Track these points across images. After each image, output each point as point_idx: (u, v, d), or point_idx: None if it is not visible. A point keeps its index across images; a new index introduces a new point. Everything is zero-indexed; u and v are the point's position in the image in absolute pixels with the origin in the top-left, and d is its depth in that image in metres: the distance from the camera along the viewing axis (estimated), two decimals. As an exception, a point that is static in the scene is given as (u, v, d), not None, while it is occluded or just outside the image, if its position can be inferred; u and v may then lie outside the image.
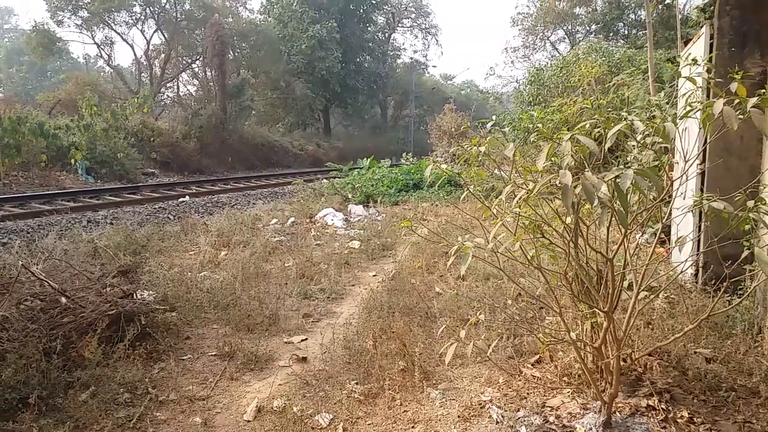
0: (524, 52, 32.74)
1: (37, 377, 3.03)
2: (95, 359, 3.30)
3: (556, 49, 31.94)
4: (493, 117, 2.87)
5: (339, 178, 14.81)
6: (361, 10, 38.84)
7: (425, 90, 47.60)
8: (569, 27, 31.10)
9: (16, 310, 3.51)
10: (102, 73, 36.11)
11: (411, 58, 48.37)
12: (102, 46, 29.98)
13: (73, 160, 16.00)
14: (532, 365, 3.34)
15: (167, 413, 3.05)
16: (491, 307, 4.01)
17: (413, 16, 48.86)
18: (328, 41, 32.79)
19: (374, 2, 39.91)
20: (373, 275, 6.04)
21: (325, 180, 15.10)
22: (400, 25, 48.24)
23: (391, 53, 46.89)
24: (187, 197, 13.60)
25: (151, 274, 5.19)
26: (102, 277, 4.21)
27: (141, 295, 4.23)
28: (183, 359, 3.75)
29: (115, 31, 29.05)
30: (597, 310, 2.67)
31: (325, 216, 9.54)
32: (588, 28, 29.71)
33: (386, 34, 46.51)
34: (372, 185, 12.64)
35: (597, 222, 2.51)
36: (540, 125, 2.42)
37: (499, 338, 3.56)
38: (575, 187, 1.85)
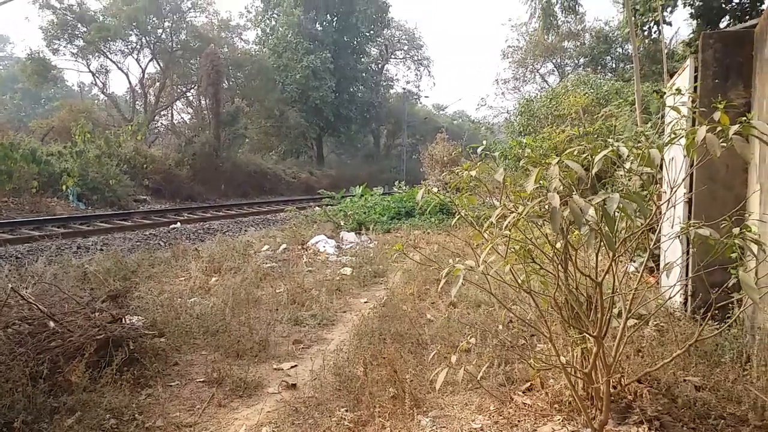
0: (514, 84, 33.45)
1: (23, 402, 2.99)
2: (82, 384, 3.25)
3: (546, 81, 32.64)
4: (483, 142, 2.93)
5: (331, 205, 14.85)
6: (355, 42, 39.56)
7: (418, 119, 48.21)
8: (558, 60, 31.85)
9: (3, 333, 3.47)
10: (96, 101, 36.29)
11: (404, 89, 49.12)
12: (97, 75, 30.31)
13: (64, 187, 15.94)
14: (523, 392, 3.32)
15: (154, 440, 3.00)
16: (482, 333, 4.01)
17: (406, 48, 49.85)
18: (322, 71, 33.28)
19: (367, 34, 40.71)
20: (365, 302, 6.02)
21: (317, 207, 15.15)
22: (393, 56, 49.17)
23: (384, 83, 47.63)
24: (179, 224, 13.57)
25: (141, 299, 5.15)
26: (91, 302, 4.18)
27: (130, 320, 4.19)
28: (171, 385, 3.70)
29: (111, 59, 29.38)
30: (587, 335, 2.69)
31: (317, 243, 9.54)
32: (576, 61, 30.43)
33: (379, 65, 47.32)
34: (364, 213, 12.69)
35: (586, 246, 2.55)
36: (529, 150, 2.47)
37: (490, 365, 3.54)
38: (563, 211, 1.89)
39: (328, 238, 9.93)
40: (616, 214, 2.10)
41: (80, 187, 16.46)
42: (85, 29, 27.18)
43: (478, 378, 3.00)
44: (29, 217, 13.07)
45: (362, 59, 41.51)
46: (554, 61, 32.05)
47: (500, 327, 4.25)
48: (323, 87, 33.53)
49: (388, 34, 46.40)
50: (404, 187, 16.48)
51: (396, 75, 58.14)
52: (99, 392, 3.27)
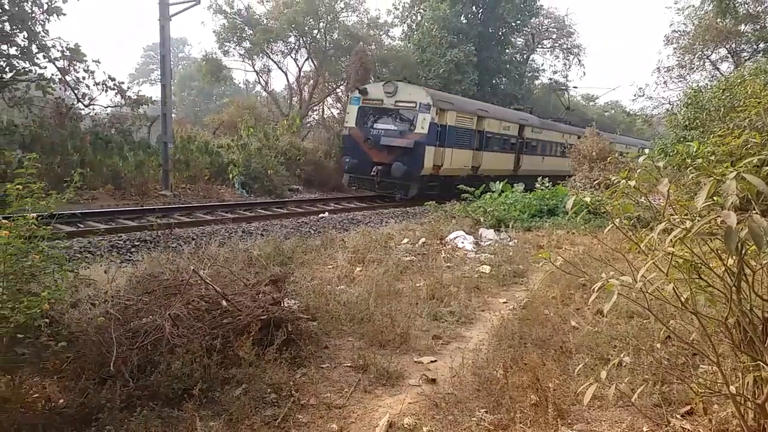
0: (679, 72, 30.13)
1: (200, 371, 3.41)
2: (249, 359, 3.65)
3: (718, 69, 29.05)
4: (646, 150, 2.74)
5: (470, 200, 14.75)
6: (500, 33, 38.64)
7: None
8: (733, 45, 28.16)
9: (185, 309, 4.01)
10: (258, 97, 39.77)
11: (550, 79, 46.87)
12: (260, 74, 33.19)
13: (231, 176, 17.84)
14: (682, 416, 3.08)
15: (308, 416, 3.28)
16: (635, 348, 3.77)
17: (554, 36, 47.47)
18: (464, 64, 33.04)
19: (513, 25, 39.49)
20: (504, 302, 5.95)
21: (456, 202, 15.13)
22: (539, 46, 47.12)
23: (529, 74, 45.89)
24: (327, 213, 14.44)
25: (296, 284, 5.60)
26: (256, 285, 4.65)
27: (288, 303, 4.60)
28: (322, 367, 4.02)
29: (272, 59, 31.96)
30: (762, 363, 2.42)
31: (455, 238, 9.58)
32: (755, 46, 26.69)
33: (524, 56, 45.67)
34: (504, 209, 12.42)
35: (765, 267, 2.29)
36: (700, 160, 2.28)
37: (645, 383, 3.33)
38: (740, 231, 1.72)
39: (467, 234, 9.91)
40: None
41: (244, 176, 18.26)
42: (251, 32, 29.87)
43: (633, 399, 2.83)
44: (202, 202, 14.83)
45: (506, 50, 40.42)
46: (728, 46, 28.37)
47: (657, 344, 3.95)
48: (465, 80, 33.27)
49: (535, 23, 44.55)
50: (547, 184, 15.81)
51: (542, 65, 55.57)
52: (262, 368, 3.65)
